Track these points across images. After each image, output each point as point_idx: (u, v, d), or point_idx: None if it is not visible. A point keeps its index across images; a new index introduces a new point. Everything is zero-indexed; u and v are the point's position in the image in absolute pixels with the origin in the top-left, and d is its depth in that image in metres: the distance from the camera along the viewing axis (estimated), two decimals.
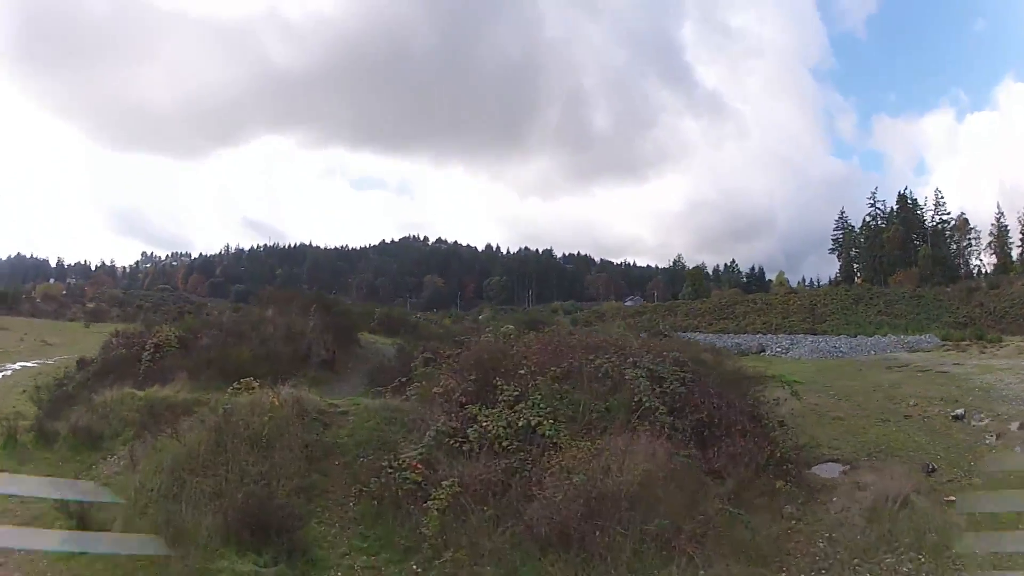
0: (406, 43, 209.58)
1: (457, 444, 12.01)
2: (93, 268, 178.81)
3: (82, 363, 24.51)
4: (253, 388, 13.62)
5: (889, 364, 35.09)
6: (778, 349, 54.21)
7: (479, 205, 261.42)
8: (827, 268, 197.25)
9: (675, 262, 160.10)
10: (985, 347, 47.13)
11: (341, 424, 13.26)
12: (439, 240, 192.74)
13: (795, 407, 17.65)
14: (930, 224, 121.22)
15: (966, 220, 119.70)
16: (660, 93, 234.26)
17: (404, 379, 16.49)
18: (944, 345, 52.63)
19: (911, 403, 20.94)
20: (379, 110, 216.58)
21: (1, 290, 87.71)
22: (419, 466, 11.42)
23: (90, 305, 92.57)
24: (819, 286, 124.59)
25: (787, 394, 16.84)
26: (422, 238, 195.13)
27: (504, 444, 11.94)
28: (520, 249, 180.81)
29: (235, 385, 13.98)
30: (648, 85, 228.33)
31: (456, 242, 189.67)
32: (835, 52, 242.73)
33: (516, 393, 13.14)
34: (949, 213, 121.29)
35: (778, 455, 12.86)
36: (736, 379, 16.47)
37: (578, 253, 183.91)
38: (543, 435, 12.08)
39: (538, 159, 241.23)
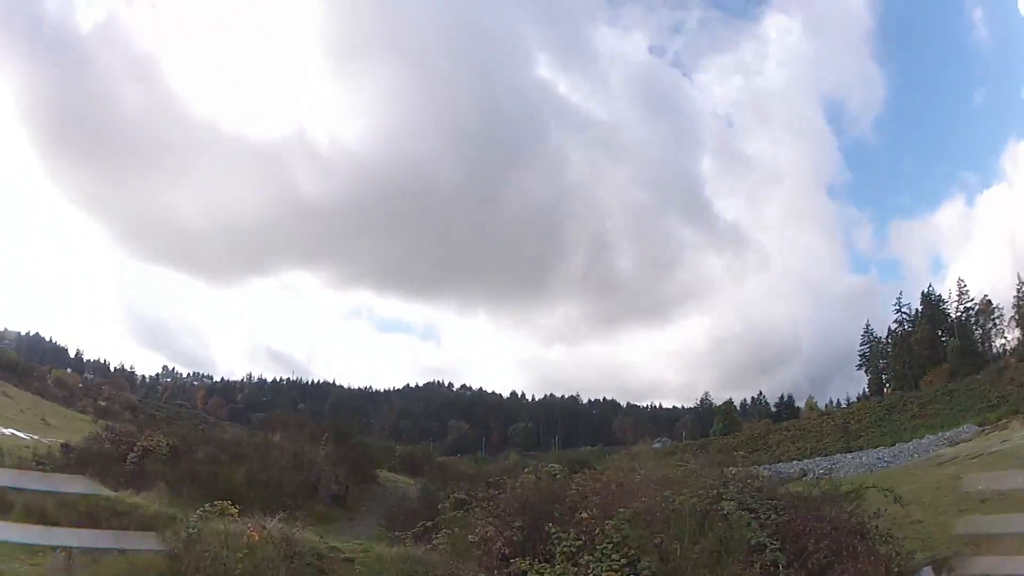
0: (432, 181, 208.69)
1: None
2: (112, 369, 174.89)
3: (66, 448, 21.95)
4: (232, 513, 10.23)
5: (939, 461, 34.72)
6: (820, 471, 51.61)
7: (503, 351, 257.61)
8: (854, 387, 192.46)
9: (702, 400, 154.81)
10: None
11: (344, 575, 9.94)
12: (463, 387, 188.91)
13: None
14: (955, 316, 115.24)
15: (989, 301, 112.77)
16: (682, 231, 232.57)
17: (429, 523, 13.01)
18: (984, 430, 53.08)
19: (979, 487, 18.93)
20: (403, 252, 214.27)
21: (12, 361, 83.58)
22: None
23: (102, 403, 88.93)
24: (849, 404, 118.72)
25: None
26: (447, 384, 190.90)
27: None
28: (546, 395, 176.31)
29: (207, 507, 10.56)
30: (670, 224, 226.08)
31: (481, 388, 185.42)
32: (847, 164, 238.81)
33: (578, 543, 10.19)
34: (973, 300, 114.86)
35: (896, 571, 10.47)
36: (831, 496, 13.04)
37: (604, 399, 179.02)
38: None
39: (563, 305, 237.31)
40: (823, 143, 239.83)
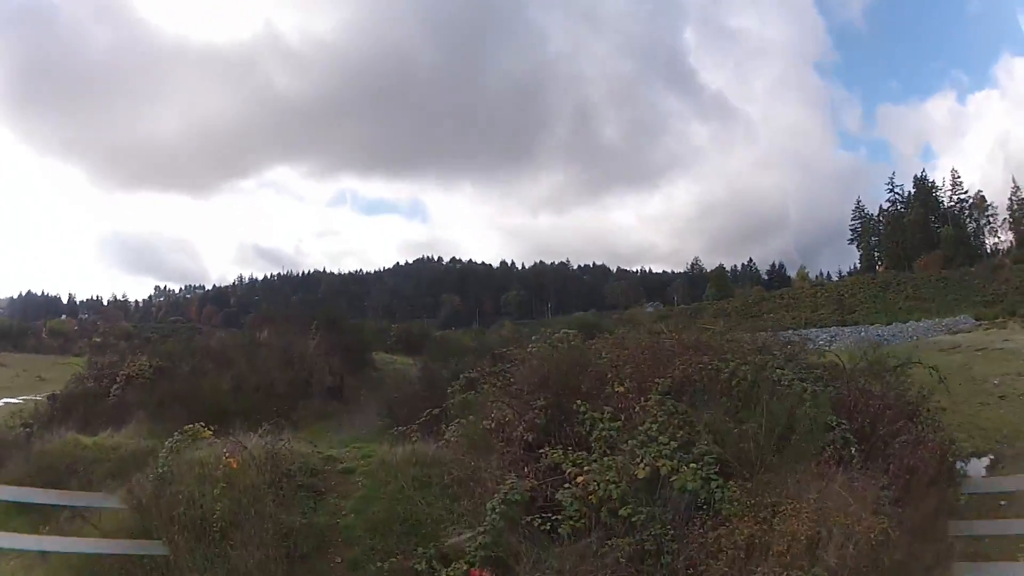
0: (409, 66, 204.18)
1: (542, 521, 7.09)
2: (105, 303, 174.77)
3: (52, 399, 19.98)
4: (208, 436, 8.53)
5: (941, 347, 32.51)
6: (821, 342, 50.96)
7: (491, 222, 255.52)
8: (842, 260, 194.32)
9: (693, 266, 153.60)
10: None
11: (344, 491, 8.48)
12: (453, 259, 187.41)
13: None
14: (948, 205, 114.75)
15: (983, 198, 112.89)
16: (667, 100, 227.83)
17: (436, 410, 11.47)
18: (981, 324, 52.36)
19: (995, 382, 19.56)
20: (385, 135, 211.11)
21: (5, 327, 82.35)
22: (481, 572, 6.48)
23: (97, 340, 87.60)
24: (842, 278, 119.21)
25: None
26: (436, 258, 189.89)
27: (626, 512, 7.07)
28: (535, 263, 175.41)
29: (177, 435, 8.90)
30: (654, 93, 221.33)
31: (471, 260, 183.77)
32: (835, 45, 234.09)
33: (616, 423, 8.45)
34: (967, 192, 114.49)
35: (949, 461, 9.40)
36: (877, 371, 12.20)
37: (594, 264, 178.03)
38: (688, 491, 7.27)
39: (548, 174, 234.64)
40: (811, 23, 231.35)
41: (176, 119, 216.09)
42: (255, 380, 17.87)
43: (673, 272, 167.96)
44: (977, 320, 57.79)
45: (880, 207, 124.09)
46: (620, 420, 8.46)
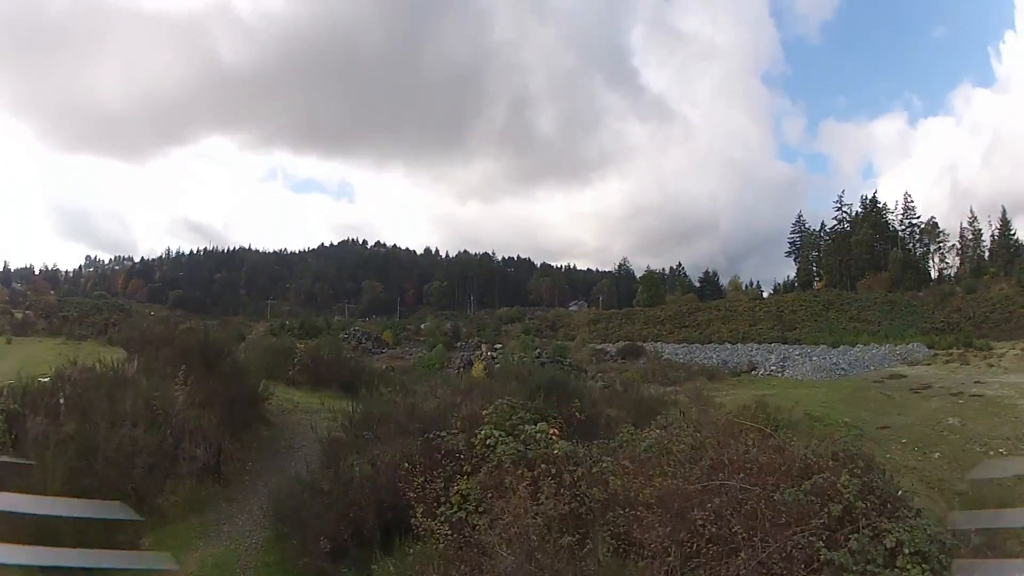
0: (353, 43, 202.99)
1: None
2: (37, 272, 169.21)
3: None
4: None
5: (913, 386, 32.96)
6: (772, 367, 51.11)
7: (419, 208, 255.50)
8: (772, 270, 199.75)
9: (620, 266, 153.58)
10: (985, 357, 48.57)
11: None
12: (378, 243, 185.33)
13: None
14: (900, 228, 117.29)
15: (936, 224, 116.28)
16: (606, 96, 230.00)
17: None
18: (936, 354, 53.74)
19: (1000, 450, 18.55)
20: (322, 111, 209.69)
21: None
22: None
23: (18, 316, 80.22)
24: (777, 291, 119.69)
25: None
26: (361, 241, 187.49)
27: None
28: (460, 252, 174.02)
29: None
30: (595, 88, 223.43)
31: (395, 245, 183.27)
32: (787, 57, 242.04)
33: None
34: (919, 217, 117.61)
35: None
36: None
37: (518, 257, 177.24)
38: None
39: (481, 161, 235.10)
40: (765, 33, 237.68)
41: (122, 82, 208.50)
42: (115, 441, 12.03)
43: (599, 271, 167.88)
44: (930, 348, 59.19)
45: (822, 223, 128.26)
46: None
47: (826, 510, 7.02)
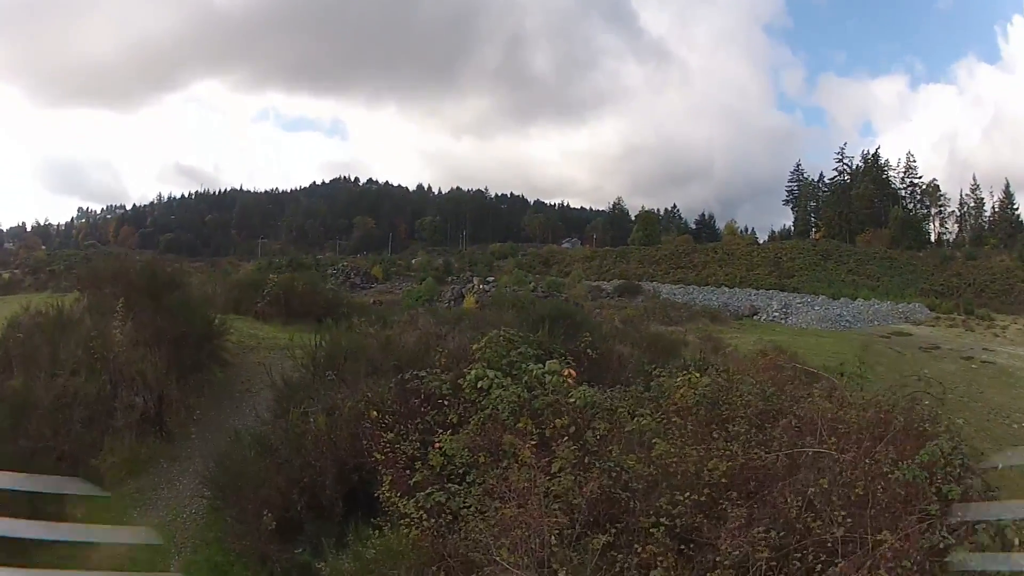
0: None
1: None
2: (29, 229, 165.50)
3: None
4: None
5: (921, 345, 33.03)
6: (775, 314, 52.32)
7: (412, 145, 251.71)
8: (766, 218, 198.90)
9: (615, 205, 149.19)
10: (988, 326, 48.82)
11: None
12: (370, 181, 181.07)
13: None
14: (902, 186, 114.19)
15: (937, 186, 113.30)
16: (603, 36, 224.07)
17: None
18: (938, 317, 53.51)
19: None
20: (315, 49, 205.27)
21: None
22: None
23: (5, 275, 77.59)
24: (773, 237, 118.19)
25: None
26: (353, 179, 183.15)
27: None
28: (453, 189, 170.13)
29: None
30: (591, 28, 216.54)
31: (387, 182, 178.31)
32: (789, 8, 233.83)
33: None
34: (921, 177, 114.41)
35: None
36: None
37: (511, 194, 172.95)
38: None
39: (475, 98, 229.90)
40: None
41: (111, 30, 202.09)
42: (53, 393, 10.33)
43: (593, 210, 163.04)
44: (931, 310, 58.30)
45: (821, 174, 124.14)
46: None
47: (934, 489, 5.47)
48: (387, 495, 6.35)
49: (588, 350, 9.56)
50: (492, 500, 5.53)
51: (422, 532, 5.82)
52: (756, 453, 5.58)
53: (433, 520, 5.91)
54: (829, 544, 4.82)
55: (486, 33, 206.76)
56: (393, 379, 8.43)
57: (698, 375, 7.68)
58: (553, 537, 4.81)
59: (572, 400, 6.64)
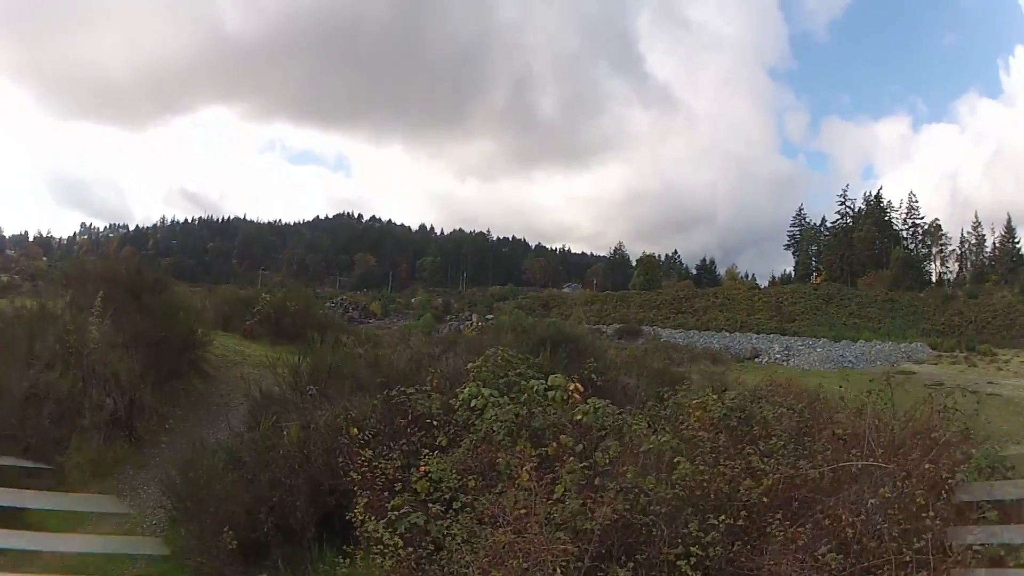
0: (359, 16, 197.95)
1: None
2: (31, 239, 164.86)
3: None
4: None
5: (925, 383, 29.60)
6: (776, 355, 51.12)
7: (415, 184, 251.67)
8: (767, 264, 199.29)
9: (616, 251, 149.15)
10: (991, 361, 48.93)
11: None
12: (373, 218, 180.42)
13: None
14: (904, 227, 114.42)
15: (939, 226, 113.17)
16: (610, 81, 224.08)
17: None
18: (940, 355, 53.49)
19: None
20: (324, 83, 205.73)
21: None
22: None
23: (3, 279, 77.42)
24: (774, 282, 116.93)
25: None
26: (356, 215, 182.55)
27: None
28: (455, 230, 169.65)
29: None
30: (599, 73, 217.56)
31: (390, 221, 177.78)
32: (794, 53, 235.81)
33: None
34: (923, 217, 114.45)
35: None
36: None
37: (513, 237, 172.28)
38: None
39: (480, 140, 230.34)
40: (773, 27, 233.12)
41: (123, 48, 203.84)
42: (26, 384, 9.88)
43: (594, 255, 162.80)
44: (933, 349, 58.26)
45: (823, 218, 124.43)
46: None
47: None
48: (359, 517, 5.55)
49: (593, 376, 8.82)
50: (483, 527, 4.76)
51: (398, 562, 5.02)
52: (800, 466, 4.90)
53: (411, 549, 5.10)
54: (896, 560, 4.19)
55: (493, 74, 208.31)
56: (378, 396, 7.69)
57: (716, 396, 7.07)
58: (559, 570, 4.03)
59: (579, 418, 5.89)
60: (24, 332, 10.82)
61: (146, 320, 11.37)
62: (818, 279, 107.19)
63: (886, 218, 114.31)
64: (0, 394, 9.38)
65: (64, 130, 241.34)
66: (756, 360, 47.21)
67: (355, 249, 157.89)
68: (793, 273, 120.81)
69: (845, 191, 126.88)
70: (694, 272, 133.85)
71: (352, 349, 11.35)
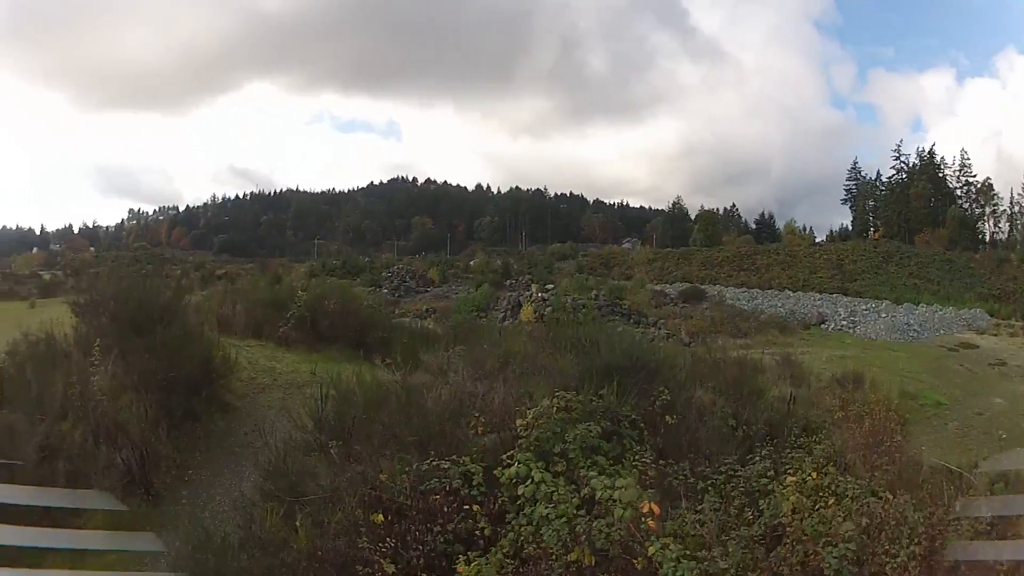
0: None
1: None
2: (76, 231, 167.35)
3: None
4: None
5: (989, 360, 34.26)
6: (842, 322, 51.78)
7: (469, 145, 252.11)
8: (821, 216, 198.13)
9: (674, 205, 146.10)
10: None
11: None
12: (428, 181, 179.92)
13: None
14: (957, 186, 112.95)
15: (991, 185, 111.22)
16: (657, 36, 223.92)
17: None
18: (998, 324, 54.40)
19: None
20: (369, 51, 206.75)
21: None
22: None
23: (47, 277, 77.62)
24: (832, 238, 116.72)
25: None
26: (411, 179, 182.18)
27: None
28: (512, 188, 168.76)
29: None
30: (645, 28, 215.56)
31: (446, 182, 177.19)
32: (838, 5, 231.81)
33: None
34: (975, 176, 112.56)
35: None
36: None
37: (571, 193, 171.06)
38: None
39: (531, 98, 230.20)
40: None
41: (158, 33, 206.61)
42: (37, 439, 8.97)
43: (652, 209, 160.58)
44: (991, 316, 58.93)
45: (878, 172, 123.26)
46: None
47: None
48: None
49: (667, 416, 7.47)
50: None
51: None
52: None
53: None
54: None
55: (539, 33, 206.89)
56: (410, 465, 6.42)
57: (813, 474, 5.77)
58: None
59: (651, 552, 4.57)
60: (34, 377, 9.79)
61: (154, 358, 10.18)
62: (876, 235, 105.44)
63: (940, 175, 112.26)
64: (14, 450, 8.37)
65: (105, 121, 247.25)
66: (822, 326, 47.87)
67: (411, 213, 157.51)
68: (851, 228, 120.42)
69: (899, 146, 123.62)
70: (753, 226, 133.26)
71: (385, 377, 10.04)
